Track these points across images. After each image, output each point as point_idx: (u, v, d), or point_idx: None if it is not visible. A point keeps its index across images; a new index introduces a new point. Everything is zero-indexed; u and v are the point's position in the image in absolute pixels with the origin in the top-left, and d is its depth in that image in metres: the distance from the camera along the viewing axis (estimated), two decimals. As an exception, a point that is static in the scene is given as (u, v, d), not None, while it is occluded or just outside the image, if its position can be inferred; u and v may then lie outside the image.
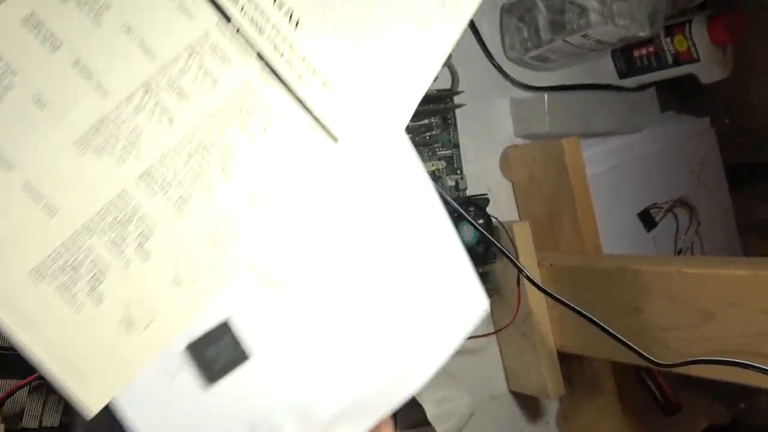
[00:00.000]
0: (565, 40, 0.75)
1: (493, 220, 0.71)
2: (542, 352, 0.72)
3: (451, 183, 0.74)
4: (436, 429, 0.58)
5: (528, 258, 0.71)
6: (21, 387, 0.40)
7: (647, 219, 0.88)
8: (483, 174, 0.79)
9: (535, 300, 0.71)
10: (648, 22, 0.73)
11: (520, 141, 0.81)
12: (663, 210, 0.89)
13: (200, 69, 0.38)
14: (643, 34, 0.73)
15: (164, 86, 0.37)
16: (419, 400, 0.59)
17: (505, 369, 0.78)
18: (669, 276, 0.61)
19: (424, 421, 0.61)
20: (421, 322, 0.45)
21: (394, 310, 0.43)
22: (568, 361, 0.74)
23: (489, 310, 0.50)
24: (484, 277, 0.73)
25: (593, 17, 0.73)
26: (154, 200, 0.37)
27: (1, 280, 0.33)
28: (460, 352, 0.74)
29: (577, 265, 0.70)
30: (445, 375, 0.61)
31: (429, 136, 0.72)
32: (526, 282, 0.71)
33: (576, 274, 0.70)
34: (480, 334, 0.75)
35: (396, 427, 0.47)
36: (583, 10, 0.74)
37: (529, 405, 0.80)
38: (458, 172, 0.75)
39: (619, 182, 0.86)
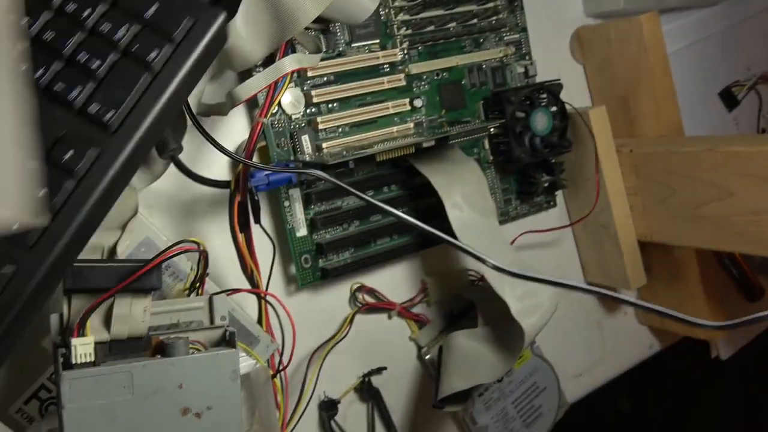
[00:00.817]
0: None
1: (567, 107, 0.68)
2: (623, 242, 0.69)
3: (519, 70, 0.70)
4: (521, 324, 0.56)
5: (606, 145, 0.67)
6: (105, 299, 0.39)
7: (729, 98, 0.83)
8: (553, 58, 0.74)
9: (615, 188, 0.68)
10: None
11: (591, 21, 0.76)
12: (745, 87, 0.84)
13: None
14: None
15: None
16: (501, 294, 0.57)
17: (581, 261, 0.76)
18: (765, 156, 0.57)
19: (506, 317, 0.59)
20: None
21: None
22: (647, 250, 0.72)
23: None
24: (559, 168, 0.70)
25: None
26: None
27: None
28: (535, 246, 0.72)
29: (660, 150, 0.66)
30: (526, 267, 0.58)
31: (495, 20, 0.68)
32: (605, 170, 0.67)
33: (659, 160, 0.66)
34: (555, 226, 0.72)
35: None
36: None
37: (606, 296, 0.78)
38: (527, 57, 0.70)
39: (697, 60, 0.81)
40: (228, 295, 0.47)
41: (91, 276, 0.40)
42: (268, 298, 0.53)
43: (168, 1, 0.41)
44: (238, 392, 0.41)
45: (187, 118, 0.51)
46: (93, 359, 0.38)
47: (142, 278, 0.40)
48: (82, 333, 0.39)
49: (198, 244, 0.43)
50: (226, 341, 0.44)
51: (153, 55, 0.40)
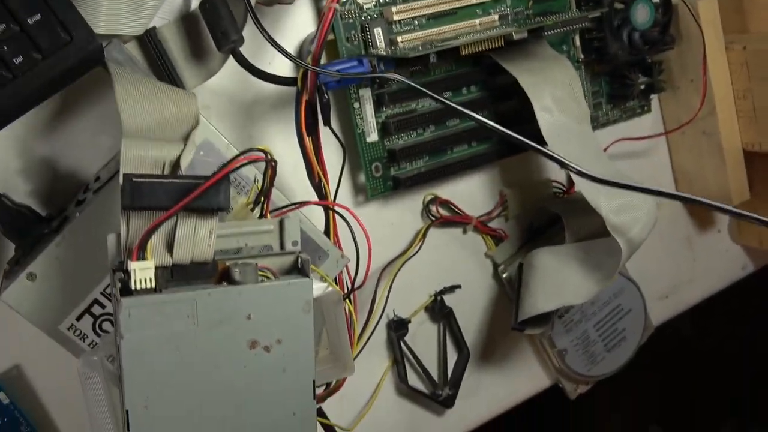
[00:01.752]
0: None
1: (672, -4, 0.59)
2: (727, 151, 0.62)
3: (617, -46, 0.61)
4: (618, 241, 0.50)
5: (715, 41, 0.59)
6: (166, 219, 0.34)
7: None
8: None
9: (723, 91, 0.60)
10: None
11: None
12: None
13: None
14: None
15: None
16: (596, 207, 0.51)
17: (674, 172, 0.69)
18: None
19: (598, 232, 0.53)
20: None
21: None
22: (751, 164, 0.64)
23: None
24: (658, 68, 0.62)
25: None
26: None
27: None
28: (624, 155, 0.66)
29: (781, 46, 0.58)
30: (623, 177, 0.52)
31: None
32: (713, 70, 0.60)
33: (778, 58, 0.58)
34: (650, 134, 0.65)
35: None
36: None
37: (698, 211, 0.72)
38: (626, -60, 0.62)
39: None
40: (296, 208, 0.42)
41: (151, 192, 0.35)
42: (339, 209, 0.48)
43: (51, 15, 0.39)
44: (311, 325, 0.36)
45: (248, 5, 0.45)
46: (154, 285, 0.34)
47: (208, 195, 0.35)
48: (141, 256, 0.34)
49: (266, 153, 0.37)
50: (299, 269, 0.39)
51: (18, 60, 0.38)
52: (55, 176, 0.48)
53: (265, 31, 0.43)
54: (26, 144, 0.46)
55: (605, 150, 0.62)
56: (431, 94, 0.45)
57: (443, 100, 0.46)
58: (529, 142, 0.46)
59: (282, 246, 0.39)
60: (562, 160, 0.46)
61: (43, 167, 0.47)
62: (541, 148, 0.46)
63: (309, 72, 0.45)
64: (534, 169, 0.62)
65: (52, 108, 0.47)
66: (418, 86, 0.45)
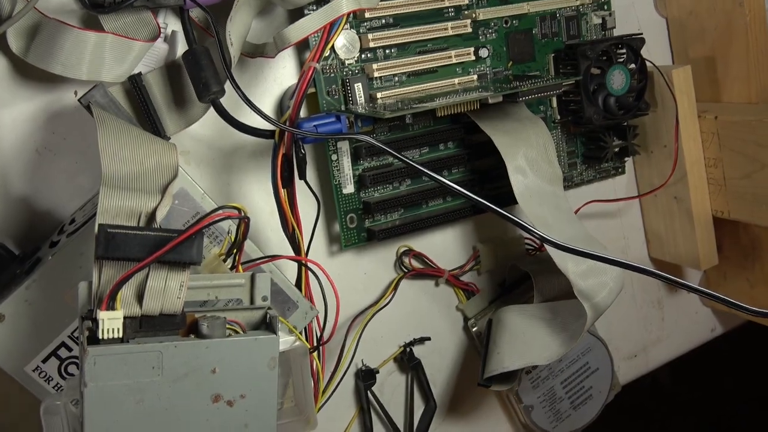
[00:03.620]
0: None
1: (648, 64, 0.61)
2: (697, 218, 0.63)
3: (596, 21, 0.63)
4: (584, 305, 0.51)
5: (688, 109, 0.61)
6: (138, 270, 0.35)
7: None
8: (634, 10, 0.68)
9: (694, 158, 0.62)
10: None
11: (679, -31, 0.69)
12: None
13: None
14: None
15: None
16: (563, 270, 0.52)
17: (646, 234, 0.70)
18: None
19: (565, 293, 0.54)
20: None
21: None
22: (720, 228, 0.65)
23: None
24: (632, 132, 0.63)
25: None
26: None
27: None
28: (598, 215, 0.67)
29: (750, 119, 0.59)
30: (593, 242, 0.53)
31: (574, -37, 0.61)
32: (685, 137, 0.61)
33: (747, 130, 0.59)
34: (623, 196, 0.66)
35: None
36: None
37: (670, 273, 0.72)
38: (606, 7, 0.63)
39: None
40: (267, 261, 0.42)
41: (125, 243, 0.35)
42: (310, 265, 0.49)
43: None
44: (275, 381, 0.37)
45: (231, 58, 0.46)
46: (121, 335, 0.35)
47: (181, 249, 0.35)
48: (111, 306, 0.34)
49: (240, 210, 0.38)
50: (267, 324, 0.39)
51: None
52: (31, 214, 0.48)
53: (242, 93, 0.44)
54: (5, 179, 0.47)
55: (577, 211, 0.63)
56: (395, 154, 0.45)
57: (406, 159, 0.46)
58: (492, 206, 0.46)
59: (252, 301, 0.40)
60: (527, 225, 0.46)
61: (21, 205, 0.48)
62: (506, 214, 0.46)
63: (287, 125, 0.46)
64: (507, 225, 0.63)
65: (33, 145, 0.47)
66: (384, 147, 0.46)
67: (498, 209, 0.44)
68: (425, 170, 0.44)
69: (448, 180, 0.48)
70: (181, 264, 0.36)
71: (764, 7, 0.61)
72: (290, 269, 0.50)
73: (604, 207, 0.67)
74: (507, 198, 0.55)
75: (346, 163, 0.53)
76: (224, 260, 0.42)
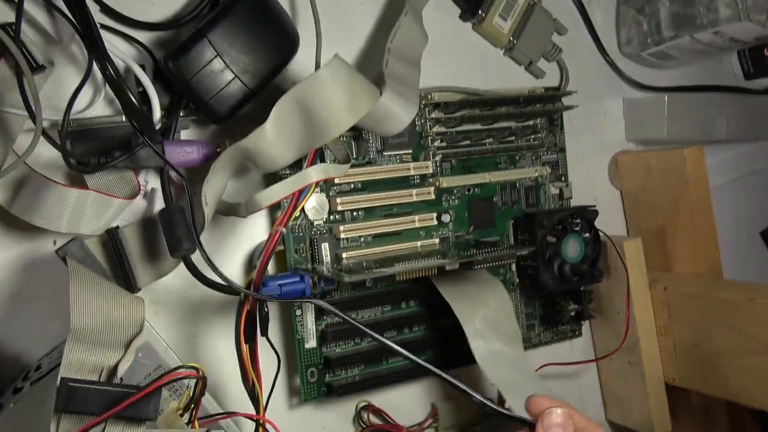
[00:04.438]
0: (693, 37, 0.67)
1: (601, 234, 0.65)
2: (649, 384, 0.65)
3: (554, 191, 0.67)
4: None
5: (639, 279, 0.64)
6: (95, 425, 0.36)
7: (770, 238, 0.80)
8: (590, 182, 0.72)
9: (646, 325, 0.64)
10: (790, 19, 0.64)
11: (632, 146, 0.74)
12: (788, 228, 0.81)
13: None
14: (786, 31, 0.64)
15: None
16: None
17: (603, 395, 0.71)
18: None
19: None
20: None
21: None
22: (674, 393, 0.67)
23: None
24: (588, 297, 0.66)
25: (722, 12, 0.65)
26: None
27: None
28: (556, 375, 0.68)
29: (697, 291, 0.62)
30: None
31: (533, 138, 0.66)
32: (637, 305, 0.64)
33: (695, 302, 0.62)
34: (580, 359, 0.68)
35: None
36: (712, 2, 0.66)
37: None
38: (563, 179, 0.68)
39: (740, 196, 0.78)
40: (225, 418, 0.44)
41: (84, 398, 0.37)
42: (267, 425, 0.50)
43: None
44: None
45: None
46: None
47: (138, 405, 0.37)
48: (66, 459, 0.36)
49: (197, 369, 0.40)
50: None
51: None
52: (-1, 358, 0.49)
53: (209, 259, 0.46)
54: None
55: (537, 371, 0.65)
56: (366, 330, 0.45)
57: (351, 320, 0.47)
58: (434, 369, 0.46)
59: (206, 458, 0.41)
60: (467, 390, 0.46)
61: (-11, 347, 0.49)
62: (448, 378, 0.46)
63: (253, 284, 0.49)
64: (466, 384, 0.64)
65: (8, 291, 0.49)
66: (334, 310, 0.46)
67: (439, 372, 0.45)
68: (368, 330, 0.45)
69: (407, 337, 0.49)
70: (138, 419, 0.38)
71: (708, 187, 0.66)
72: (248, 425, 0.51)
73: (562, 368, 0.68)
74: (468, 356, 0.57)
75: (310, 318, 0.55)
76: (181, 415, 0.43)
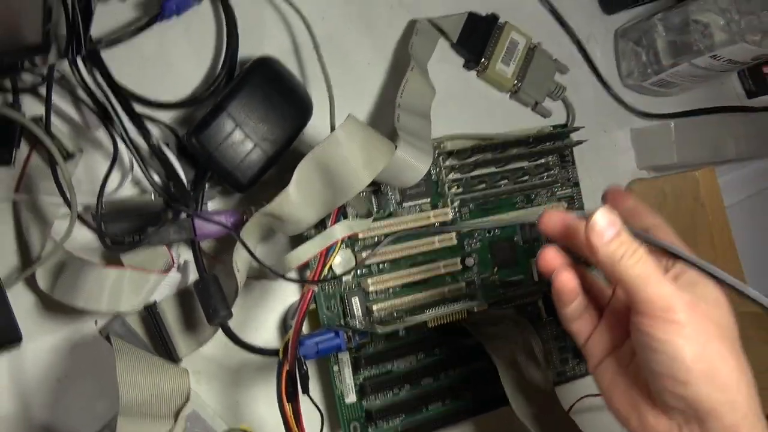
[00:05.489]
0: (691, 63, 0.69)
1: (624, 263, 0.65)
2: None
3: (573, 224, 0.68)
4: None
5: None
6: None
7: (791, 251, 0.81)
8: (606, 209, 0.73)
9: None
10: (784, 36, 0.66)
11: (644, 173, 0.75)
12: (809, 239, 0.81)
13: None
14: (780, 49, 0.66)
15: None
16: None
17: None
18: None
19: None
20: None
21: None
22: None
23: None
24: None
25: (717, 36, 0.67)
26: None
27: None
28: (593, 408, 0.68)
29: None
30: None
31: (547, 176, 0.67)
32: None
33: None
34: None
35: None
36: (706, 27, 0.68)
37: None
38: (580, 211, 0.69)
39: (757, 212, 0.79)
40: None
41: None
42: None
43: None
44: None
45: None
46: None
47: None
48: None
49: (246, 432, 0.41)
50: None
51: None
52: (50, 439, 0.51)
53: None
54: (27, 410, 0.50)
55: (572, 405, 0.65)
56: None
57: None
58: None
59: None
60: None
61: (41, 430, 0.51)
62: None
63: (290, 343, 0.50)
64: (505, 425, 0.65)
65: (55, 374, 0.51)
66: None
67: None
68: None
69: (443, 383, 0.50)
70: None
71: (723, 207, 0.67)
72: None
73: (599, 401, 0.68)
74: (501, 398, 0.57)
75: (348, 372, 0.57)
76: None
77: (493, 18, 0.67)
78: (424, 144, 0.54)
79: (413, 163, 0.52)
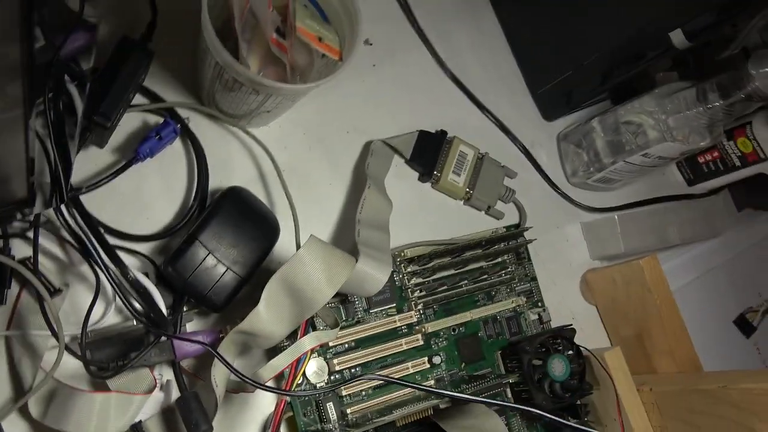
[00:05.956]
0: (626, 161, 0.75)
1: (582, 350, 0.70)
2: (655, 484, 0.68)
3: (533, 317, 0.73)
4: None
5: (625, 385, 0.69)
6: None
7: (744, 325, 0.85)
8: (565, 302, 0.78)
9: (642, 428, 0.68)
10: (707, 132, 0.72)
11: (597, 263, 0.81)
12: (759, 312, 0.86)
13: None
14: (704, 144, 0.72)
15: None
16: None
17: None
18: (778, 392, 0.58)
19: None
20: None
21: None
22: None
23: None
24: (584, 410, 0.71)
25: (650, 134, 0.73)
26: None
27: None
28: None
29: (677, 387, 0.67)
30: None
31: (505, 273, 0.72)
32: (629, 410, 0.68)
33: (678, 398, 0.67)
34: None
35: None
36: (639, 127, 0.74)
37: None
38: (539, 304, 0.74)
39: (706, 292, 0.84)
40: None
41: None
42: None
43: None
44: None
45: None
46: None
47: None
48: None
49: None
50: None
51: None
52: None
53: None
54: None
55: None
56: None
57: None
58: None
59: None
60: None
61: None
62: None
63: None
64: None
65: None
66: None
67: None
68: None
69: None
70: None
71: (668, 291, 0.72)
72: None
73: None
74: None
75: (327, 476, 0.60)
76: None
77: (442, 134, 0.74)
78: (384, 255, 0.59)
79: (374, 274, 0.57)
